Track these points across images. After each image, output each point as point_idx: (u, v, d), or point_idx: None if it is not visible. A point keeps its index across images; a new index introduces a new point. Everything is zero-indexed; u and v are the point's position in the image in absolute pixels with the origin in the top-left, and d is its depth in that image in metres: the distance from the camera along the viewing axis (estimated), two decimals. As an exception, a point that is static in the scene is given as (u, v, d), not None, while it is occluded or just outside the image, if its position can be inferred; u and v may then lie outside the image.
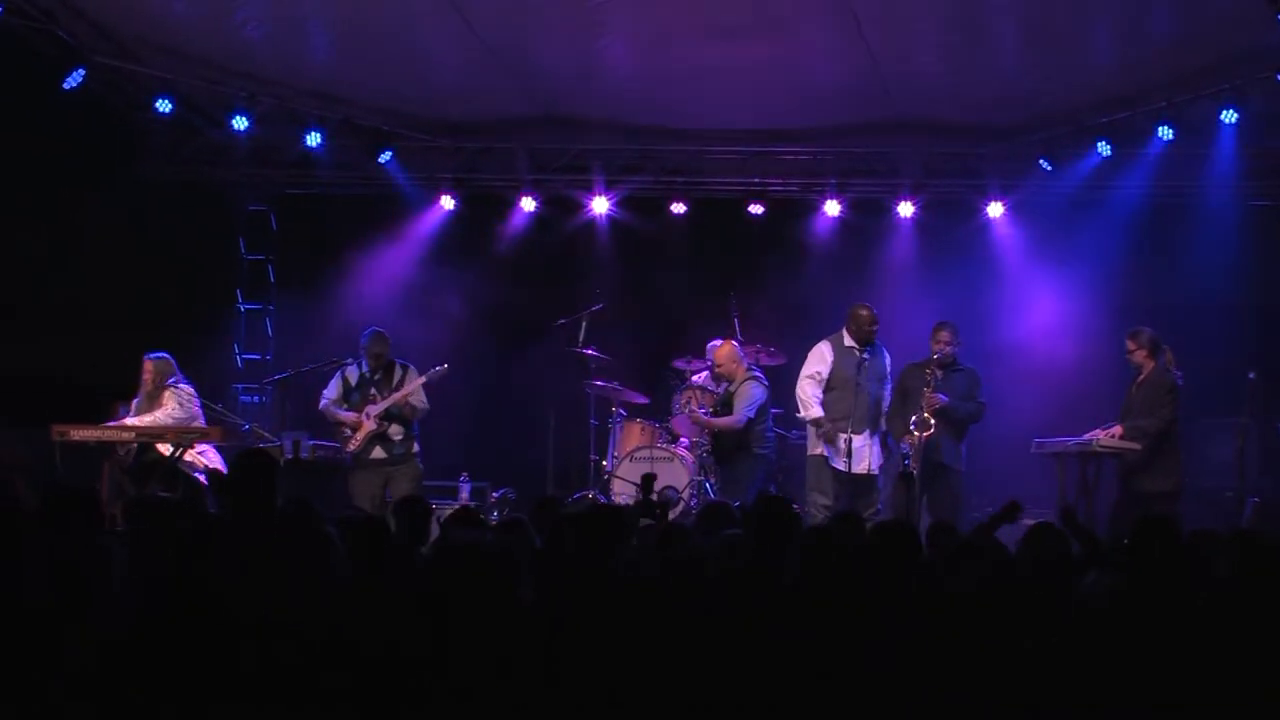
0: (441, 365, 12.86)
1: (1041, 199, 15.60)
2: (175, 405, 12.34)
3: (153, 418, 12.26)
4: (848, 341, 12.48)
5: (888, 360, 12.69)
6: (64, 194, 14.00)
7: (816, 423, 12.37)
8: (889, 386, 12.70)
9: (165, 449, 12.19)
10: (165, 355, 12.56)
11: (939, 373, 12.25)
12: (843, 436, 12.15)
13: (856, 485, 12.30)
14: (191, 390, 12.57)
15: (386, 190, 16.29)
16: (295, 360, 14.20)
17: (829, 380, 12.41)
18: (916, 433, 12.05)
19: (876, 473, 12.51)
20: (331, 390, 12.95)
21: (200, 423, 12.50)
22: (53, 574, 5.45)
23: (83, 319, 14.11)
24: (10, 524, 5.93)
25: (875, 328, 12.55)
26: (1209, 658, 5.44)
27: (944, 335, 12.46)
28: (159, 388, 12.42)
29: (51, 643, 5.16)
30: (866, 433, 12.36)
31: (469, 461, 15.06)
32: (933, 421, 12.08)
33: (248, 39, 13.68)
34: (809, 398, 12.44)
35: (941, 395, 12.16)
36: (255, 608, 5.32)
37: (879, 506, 12.34)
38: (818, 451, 12.46)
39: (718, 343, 13.84)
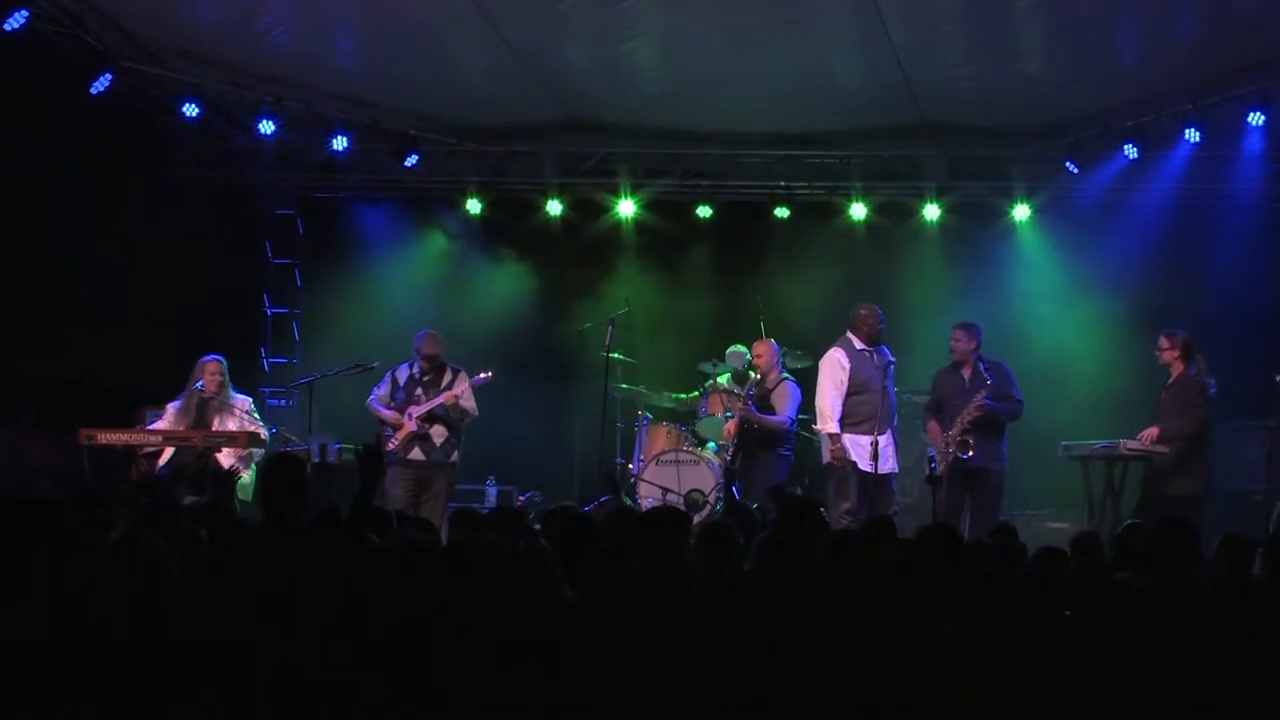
0: (487, 373, 12.85)
1: (1067, 202, 15.61)
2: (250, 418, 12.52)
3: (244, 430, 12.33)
4: (858, 345, 12.44)
5: (889, 355, 12.64)
6: (90, 198, 14.03)
7: (833, 438, 12.32)
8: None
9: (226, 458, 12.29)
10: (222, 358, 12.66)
11: (985, 386, 12.15)
12: (869, 439, 12.12)
13: (879, 486, 12.27)
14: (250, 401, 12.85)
15: (413, 194, 16.41)
16: (322, 364, 14.20)
17: (850, 386, 12.37)
18: (957, 454, 12.00)
19: (897, 471, 12.49)
20: (382, 388, 12.99)
21: None
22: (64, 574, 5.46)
23: (109, 323, 14.17)
24: (34, 524, 5.95)
25: (884, 326, 12.52)
26: (1231, 663, 5.41)
27: (955, 335, 12.46)
28: (224, 393, 12.45)
29: (61, 644, 5.17)
30: (889, 432, 12.33)
31: (495, 465, 15.06)
32: (972, 443, 12.02)
33: (274, 43, 13.71)
34: (830, 410, 12.32)
35: (987, 400, 12.10)
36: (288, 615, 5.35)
37: (896, 507, 12.31)
38: (839, 458, 12.39)
39: (735, 349, 13.95)
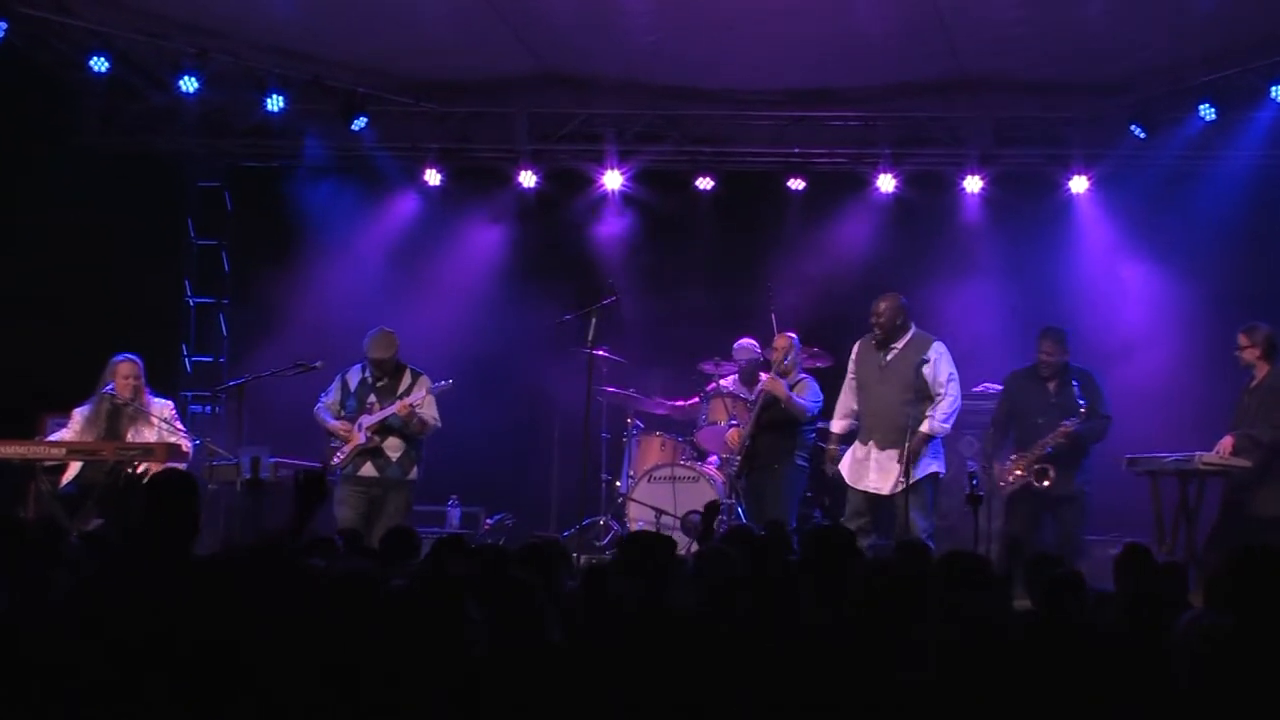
0: (446, 380, 12.75)
1: (1133, 171, 15.42)
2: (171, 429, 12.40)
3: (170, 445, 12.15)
4: (871, 339, 12.45)
5: (933, 355, 12.41)
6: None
7: (830, 437, 12.49)
8: (952, 382, 12.45)
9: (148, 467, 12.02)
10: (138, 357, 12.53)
11: (1078, 412, 12.13)
12: (855, 447, 12.16)
13: (877, 505, 12.22)
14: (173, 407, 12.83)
15: (361, 163, 16.27)
16: (255, 364, 14.12)
17: (854, 384, 12.45)
18: (1033, 481, 12.00)
19: (889, 493, 12.24)
20: (330, 394, 12.85)
21: None
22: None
23: (3, 315, 14.03)
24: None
25: (877, 320, 12.38)
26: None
27: (1045, 345, 12.44)
28: (140, 398, 12.34)
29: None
30: (873, 444, 12.21)
31: (460, 482, 14.98)
32: (1051, 473, 12.01)
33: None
34: (839, 407, 12.68)
35: (1077, 428, 12.09)
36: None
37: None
38: (832, 459, 12.65)
39: (746, 341, 13.79)
